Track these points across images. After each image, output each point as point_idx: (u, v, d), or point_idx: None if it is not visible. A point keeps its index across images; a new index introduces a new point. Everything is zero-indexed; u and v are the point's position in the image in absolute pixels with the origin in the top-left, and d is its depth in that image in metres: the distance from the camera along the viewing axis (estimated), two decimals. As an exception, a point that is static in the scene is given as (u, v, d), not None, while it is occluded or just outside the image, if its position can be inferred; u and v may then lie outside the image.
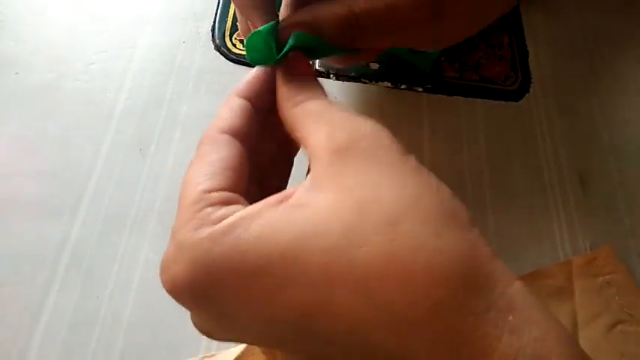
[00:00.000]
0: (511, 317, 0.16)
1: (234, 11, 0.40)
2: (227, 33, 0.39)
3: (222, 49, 0.38)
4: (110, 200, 0.32)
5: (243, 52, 0.38)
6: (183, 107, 0.36)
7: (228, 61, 0.38)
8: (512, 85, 0.39)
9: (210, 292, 0.18)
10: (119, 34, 0.38)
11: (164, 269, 0.19)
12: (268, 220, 0.18)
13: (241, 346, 0.27)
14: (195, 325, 0.21)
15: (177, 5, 0.41)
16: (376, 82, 0.38)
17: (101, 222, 0.31)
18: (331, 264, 0.17)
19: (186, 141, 0.34)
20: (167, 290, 0.19)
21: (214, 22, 0.40)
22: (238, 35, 0.39)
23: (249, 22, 0.25)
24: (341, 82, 0.38)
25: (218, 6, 0.41)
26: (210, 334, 0.21)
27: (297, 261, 0.17)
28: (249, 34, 0.23)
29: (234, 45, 0.39)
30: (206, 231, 0.18)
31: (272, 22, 0.23)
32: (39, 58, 0.37)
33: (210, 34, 0.39)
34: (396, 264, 0.16)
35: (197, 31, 0.39)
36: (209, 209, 0.19)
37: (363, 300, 0.16)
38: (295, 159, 0.26)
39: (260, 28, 0.23)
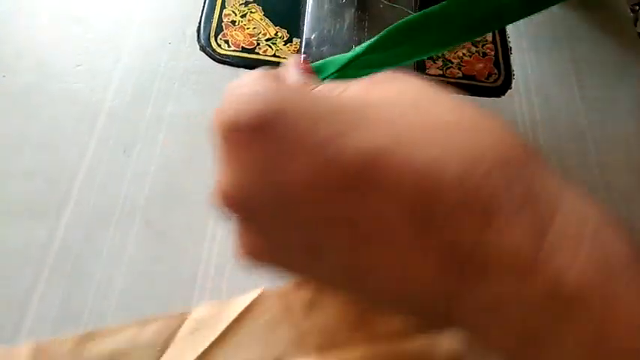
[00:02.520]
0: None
1: (219, 12, 0.41)
2: (212, 34, 0.40)
3: (207, 49, 0.39)
4: (95, 200, 0.32)
5: (228, 53, 0.39)
6: (169, 107, 0.36)
7: (213, 61, 0.38)
8: (495, 81, 0.40)
9: (275, 125, 0.17)
10: (105, 36, 0.39)
11: (225, 110, 0.17)
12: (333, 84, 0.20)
13: (257, 291, 0.28)
14: (243, 238, 0.20)
15: (162, 6, 0.41)
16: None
17: (86, 222, 0.31)
18: (405, 115, 0.18)
19: (171, 141, 0.35)
20: (221, 122, 0.17)
21: (200, 23, 0.40)
22: (223, 36, 0.40)
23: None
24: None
25: (204, 7, 0.41)
26: (258, 250, 0.20)
27: (368, 108, 0.18)
28: None
29: (220, 45, 0.39)
30: (281, 84, 0.19)
31: None
32: (25, 60, 0.37)
33: (196, 34, 0.40)
34: (469, 117, 0.18)
35: (183, 32, 0.40)
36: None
37: (436, 146, 0.17)
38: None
39: None
